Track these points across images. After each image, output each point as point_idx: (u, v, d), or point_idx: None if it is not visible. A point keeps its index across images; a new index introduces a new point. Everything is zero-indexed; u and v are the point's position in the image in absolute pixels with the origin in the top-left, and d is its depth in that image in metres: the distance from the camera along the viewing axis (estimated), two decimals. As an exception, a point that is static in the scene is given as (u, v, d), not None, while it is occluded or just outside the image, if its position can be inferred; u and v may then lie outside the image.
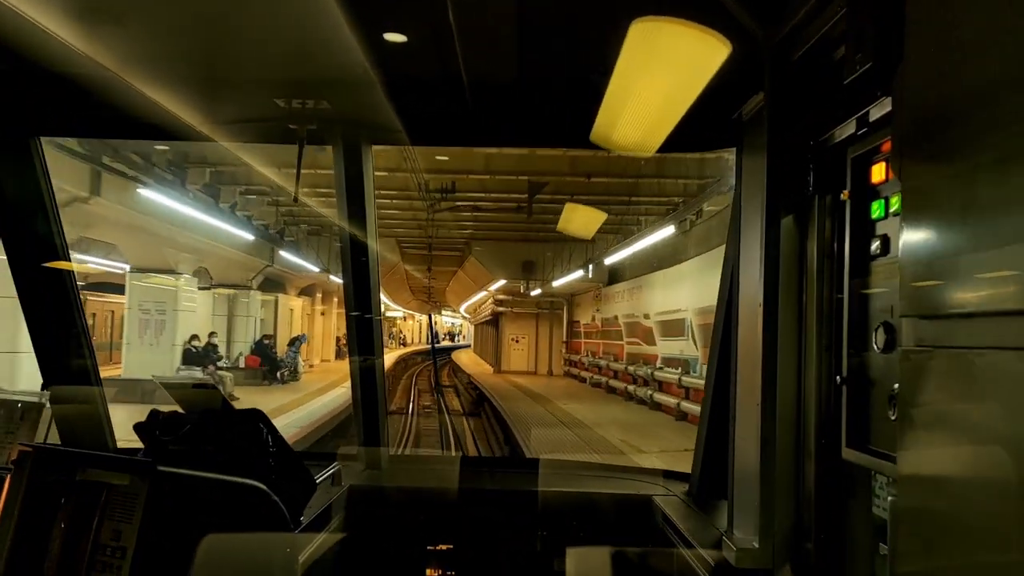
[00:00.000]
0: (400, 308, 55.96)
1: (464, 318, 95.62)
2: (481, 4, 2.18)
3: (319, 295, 35.15)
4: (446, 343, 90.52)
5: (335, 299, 36.86)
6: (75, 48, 2.48)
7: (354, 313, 3.33)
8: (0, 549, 2.35)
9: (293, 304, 31.37)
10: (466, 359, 53.77)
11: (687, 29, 1.87)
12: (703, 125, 2.82)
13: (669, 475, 3.46)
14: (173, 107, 2.91)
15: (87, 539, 2.22)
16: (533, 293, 28.85)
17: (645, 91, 2.06)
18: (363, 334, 3.37)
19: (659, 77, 2.01)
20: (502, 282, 28.02)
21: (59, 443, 3.16)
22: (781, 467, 2.29)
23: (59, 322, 3.24)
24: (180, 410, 2.59)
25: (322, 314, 36.54)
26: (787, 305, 2.30)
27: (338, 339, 38.81)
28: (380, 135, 3.21)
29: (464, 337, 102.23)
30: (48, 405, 2.67)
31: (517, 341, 36.97)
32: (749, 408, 2.39)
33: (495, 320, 38.90)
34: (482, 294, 36.35)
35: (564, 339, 35.05)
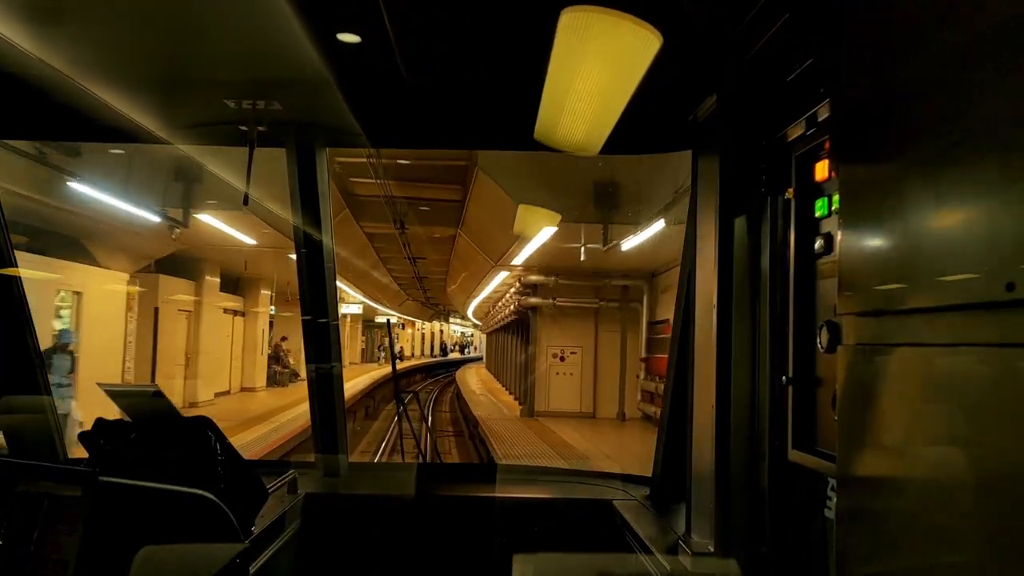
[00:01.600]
0: (392, 312, 45.10)
1: (476, 326, 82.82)
2: (429, 3, 2.15)
3: (212, 279, 21.01)
4: (454, 355, 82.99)
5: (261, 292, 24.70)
6: (24, 49, 2.42)
7: (309, 318, 3.28)
8: None
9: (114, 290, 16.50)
10: (475, 381, 37.96)
11: (620, 20, 1.85)
12: (657, 126, 2.82)
13: (629, 479, 3.44)
14: (123, 109, 2.85)
15: (26, 552, 2.15)
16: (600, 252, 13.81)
17: (581, 87, 2.04)
18: (319, 340, 3.32)
19: (593, 71, 2.00)
20: (544, 237, 13.24)
21: (5, 453, 3.08)
22: (736, 469, 2.28)
23: (6, 330, 3.16)
24: (126, 418, 2.53)
25: (239, 315, 24.13)
26: (740, 306, 2.30)
27: (278, 353, 27.95)
28: (334, 137, 3.17)
29: (476, 349, 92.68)
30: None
31: (562, 359, 20.95)
32: (705, 410, 2.38)
33: (521, 323, 23.87)
34: (498, 278, 21.55)
35: (643, 354, 19.04)
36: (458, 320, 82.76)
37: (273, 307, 26.46)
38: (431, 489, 3.32)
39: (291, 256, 3.35)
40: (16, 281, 3.13)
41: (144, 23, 2.31)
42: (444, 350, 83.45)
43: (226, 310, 23.20)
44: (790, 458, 2.13)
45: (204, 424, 2.40)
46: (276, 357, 28.10)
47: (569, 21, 1.86)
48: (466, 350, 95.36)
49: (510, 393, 27.81)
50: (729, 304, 2.31)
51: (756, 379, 2.31)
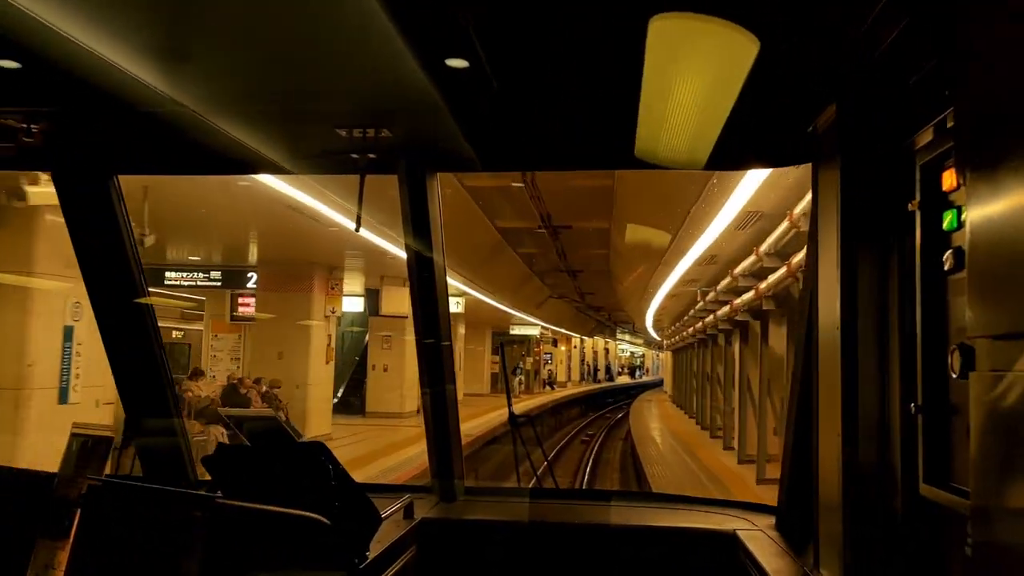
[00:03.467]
0: (531, 319, 34.91)
1: (650, 344, 70.58)
2: (531, 25, 2.12)
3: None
4: (622, 380, 68.65)
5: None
6: (157, 89, 2.53)
7: (422, 341, 3.29)
8: None
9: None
10: (658, 417, 30.38)
11: (712, 26, 1.75)
12: (775, 139, 2.69)
13: (753, 507, 3.28)
14: (245, 141, 2.95)
15: (151, 573, 2.21)
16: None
17: (679, 99, 1.94)
18: (433, 363, 3.33)
19: (690, 81, 1.89)
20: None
21: (141, 477, 3.21)
22: (866, 502, 2.12)
23: (140, 357, 3.31)
24: (246, 443, 2.60)
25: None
26: (866, 328, 2.15)
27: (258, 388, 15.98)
28: (443, 161, 3.18)
29: (648, 371, 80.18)
30: (119, 440, 2.71)
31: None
32: (831, 438, 2.23)
33: (743, 332, 16.55)
34: (696, 255, 14.02)
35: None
36: (626, 336, 71.82)
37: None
38: (546, 516, 3.26)
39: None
40: (148, 309, 3.27)
41: (265, 59, 2.37)
42: (609, 373, 69.56)
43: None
44: (921, 492, 1.96)
45: (318, 448, 2.42)
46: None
47: (658, 30, 1.78)
48: (636, 373, 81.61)
49: (710, 445, 19.58)
50: (854, 326, 2.16)
51: (885, 407, 2.14)
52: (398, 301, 19.50)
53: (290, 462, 2.48)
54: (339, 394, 24.98)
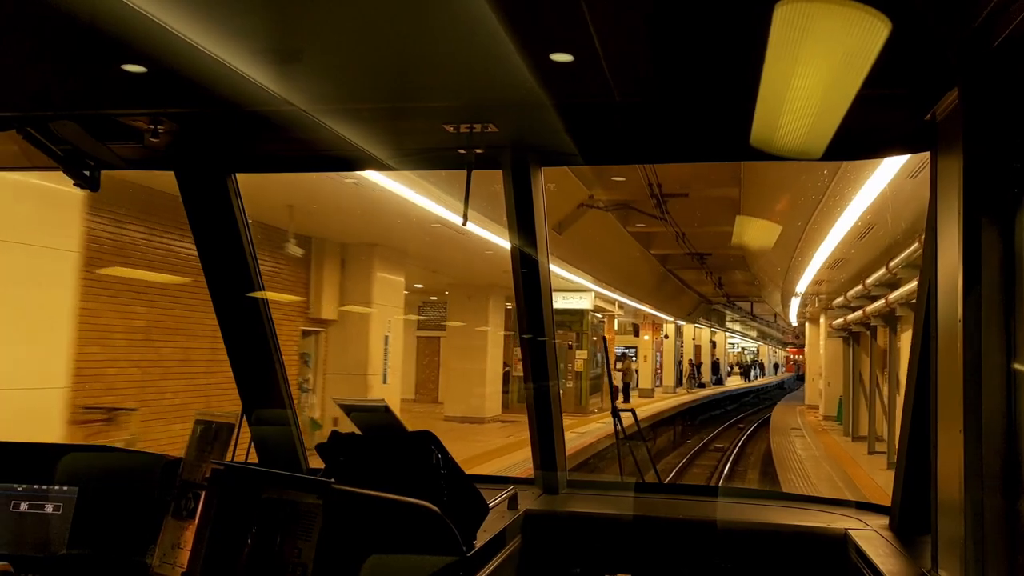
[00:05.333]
0: (591, 284, 23.93)
1: (762, 337, 60.96)
2: (641, 16, 2.11)
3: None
4: (733, 384, 53.69)
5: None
6: (266, 88, 2.63)
7: (527, 337, 3.32)
8: (197, 559, 2.50)
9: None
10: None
11: (843, 8, 1.70)
12: (892, 127, 2.60)
13: (865, 507, 3.18)
14: (355, 139, 3.03)
15: (272, 555, 2.31)
16: None
17: (801, 86, 1.89)
18: (537, 358, 3.35)
19: (815, 68, 1.84)
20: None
21: (256, 463, 3.35)
22: (991, 502, 2.02)
23: (256, 350, 3.45)
24: (358, 431, 2.67)
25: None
26: (990, 322, 2.05)
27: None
28: (548, 157, 3.20)
29: (783, 367, 67.17)
30: (240, 426, 2.83)
31: None
32: (951, 436, 2.14)
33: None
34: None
35: None
36: (736, 324, 55.93)
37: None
38: (651, 510, 3.24)
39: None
40: (263, 303, 3.40)
41: (374, 57, 2.43)
42: (717, 374, 52.43)
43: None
44: None
45: (427, 438, 2.47)
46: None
47: (785, 15, 1.74)
48: (752, 373, 64.95)
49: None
50: (977, 320, 2.07)
51: (1011, 402, 2.04)
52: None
53: (400, 451, 2.54)
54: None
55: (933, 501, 2.30)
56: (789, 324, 44.25)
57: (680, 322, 42.25)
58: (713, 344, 52.90)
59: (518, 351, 24.46)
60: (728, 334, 58.58)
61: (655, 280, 29.98)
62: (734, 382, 56.69)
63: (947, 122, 2.30)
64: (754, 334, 64.59)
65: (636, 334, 39.05)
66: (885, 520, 2.97)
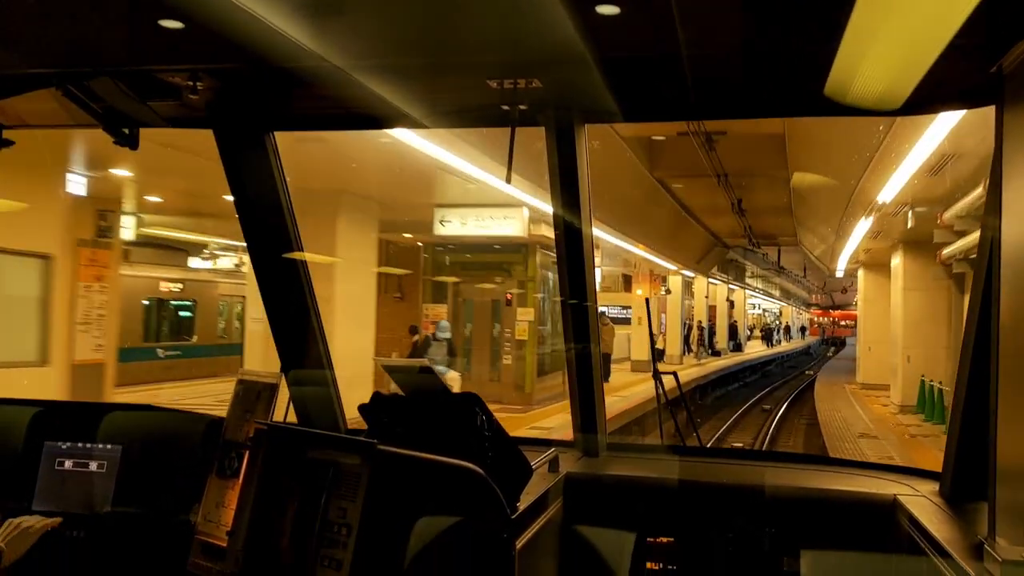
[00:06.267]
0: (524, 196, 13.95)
1: (786, 296, 53.58)
2: None
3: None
4: (753, 351, 46.02)
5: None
6: (304, 45, 2.58)
7: (571, 301, 3.27)
8: (242, 517, 2.51)
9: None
10: None
11: None
12: (955, 80, 2.49)
13: (914, 472, 3.12)
14: (393, 97, 2.98)
15: (316, 515, 2.30)
16: None
17: (885, 38, 1.79)
18: (579, 320, 3.31)
19: (900, 20, 1.74)
20: None
21: (296, 423, 3.35)
22: None
23: (295, 310, 3.43)
24: (401, 392, 2.65)
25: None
26: None
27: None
28: (593, 114, 3.12)
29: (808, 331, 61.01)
30: (281, 387, 2.83)
31: None
32: (1013, 400, 2.07)
33: None
34: None
35: None
36: (757, 280, 48.72)
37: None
38: (692, 474, 3.20)
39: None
40: (302, 263, 3.38)
41: (416, 11, 2.37)
42: (735, 338, 44.35)
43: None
44: None
45: (471, 400, 2.45)
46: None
47: None
48: (774, 337, 55.93)
49: None
50: None
51: None
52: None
53: (444, 412, 2.52)
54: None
55: (992, 467, 2.23)
56: (830, 273, 36.14)
57: (688, 273, 32.81)
58: (731, 304, 44.79)
59: (434, 308, 17.80)
60: (748, 293, 50.43)
61: (653, 209, 21.41)
62: (754, 348, 49.53)
63: (1016, 74, 2.20)
64: (777, 293, 58.61)
65: (628, 288, 30.68)
66: (935, 486, 2.90)
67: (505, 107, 2.87)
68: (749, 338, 52.31)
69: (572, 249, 3.21)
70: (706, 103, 3.03)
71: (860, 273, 28.10)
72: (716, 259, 34.89)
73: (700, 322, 37.22)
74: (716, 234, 29.86)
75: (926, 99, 2.55)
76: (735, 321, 45.42)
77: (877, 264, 24.80)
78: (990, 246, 2.37)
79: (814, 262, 34.03)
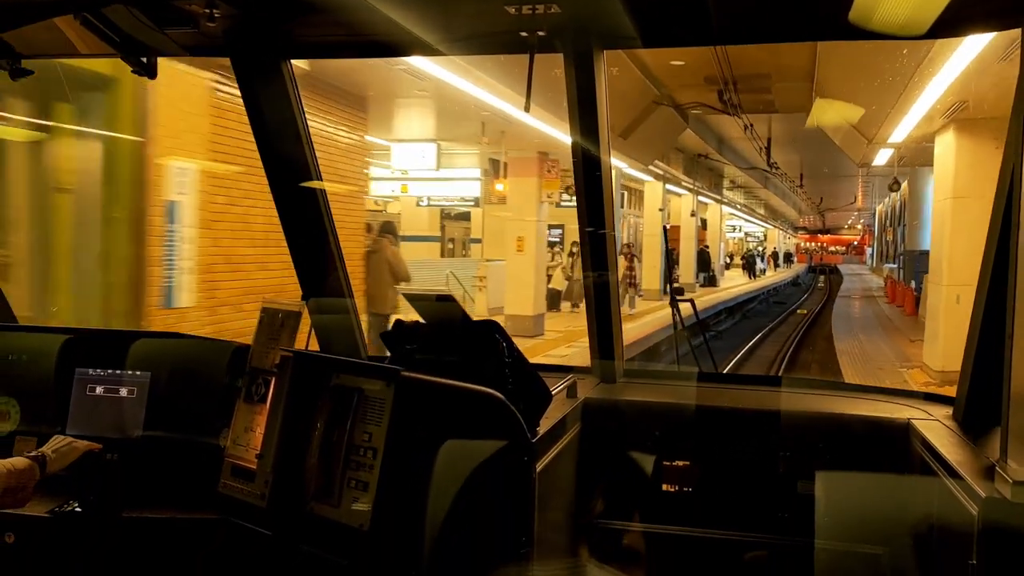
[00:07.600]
0: None
1: (772, 216, 44.70)
2: None
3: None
4: (732, 284, 35.27)
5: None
6: None
7: (588, 229, 3.28)
8: (270, 441, 2.58)
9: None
10: None
11: None
12: (981, 1, 2.44)
13: (930, 397, 3.15)
14: (410, 23, 2.94)
15: (342, 439, 2.37)
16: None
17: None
18: (597, 249, 3.32)
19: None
20: None
21: (318, 350, 3.41)
22: None
23: (314, 239, 3.46)
24: (422, 320, 2.69)
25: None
26: None
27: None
28: (612, 39, 3.07)
29: (777, 262, 49.28)
30: (306, 314, 2.87)
31: None
32: None
33: None
34: None
35: None
36: (737, 193, 39.59)
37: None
38: (709, 400, 3.25)
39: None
40: (321, 192, 3.39)
41: None
42: (707, 269, 32.74)
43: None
44: None
45: (492, 327, 2.48)
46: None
47: None
48: (756, 267, 45.59)
49: None
50: None
51: None
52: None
53: (465, 339, 2.56)
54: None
55: (1006, 392, 2.25)
56: (862, 161, 20.38)
57: (634, 172, 22.66)
58: (702, 224, 34.00)
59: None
60: (726, 210, 40.12)
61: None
62: (733, 278, 40.16)
63: None
64: (762, 210, 47.30)
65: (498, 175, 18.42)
66: (949, 410, 2.94)
67: (524, 33, 2.84)
68: (728, 266, 44.36)
69: (590, 177, 3.20)
70: (728, 26, 2.97)
71: (944, 141, 14.26)
72: (658, 133, 18.90)
73: (630, 247, 24.60)
74: (658, 79, 15.77)
75: (951, 22, 2.49)
76: (706, 247, 34.16)
77: (986, 119, 12.10)
78: (1011, 172, 2.35)
79: (840, 136, 18.71)
